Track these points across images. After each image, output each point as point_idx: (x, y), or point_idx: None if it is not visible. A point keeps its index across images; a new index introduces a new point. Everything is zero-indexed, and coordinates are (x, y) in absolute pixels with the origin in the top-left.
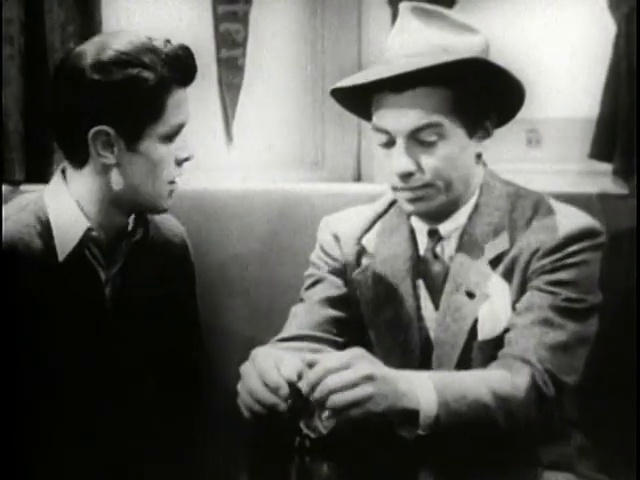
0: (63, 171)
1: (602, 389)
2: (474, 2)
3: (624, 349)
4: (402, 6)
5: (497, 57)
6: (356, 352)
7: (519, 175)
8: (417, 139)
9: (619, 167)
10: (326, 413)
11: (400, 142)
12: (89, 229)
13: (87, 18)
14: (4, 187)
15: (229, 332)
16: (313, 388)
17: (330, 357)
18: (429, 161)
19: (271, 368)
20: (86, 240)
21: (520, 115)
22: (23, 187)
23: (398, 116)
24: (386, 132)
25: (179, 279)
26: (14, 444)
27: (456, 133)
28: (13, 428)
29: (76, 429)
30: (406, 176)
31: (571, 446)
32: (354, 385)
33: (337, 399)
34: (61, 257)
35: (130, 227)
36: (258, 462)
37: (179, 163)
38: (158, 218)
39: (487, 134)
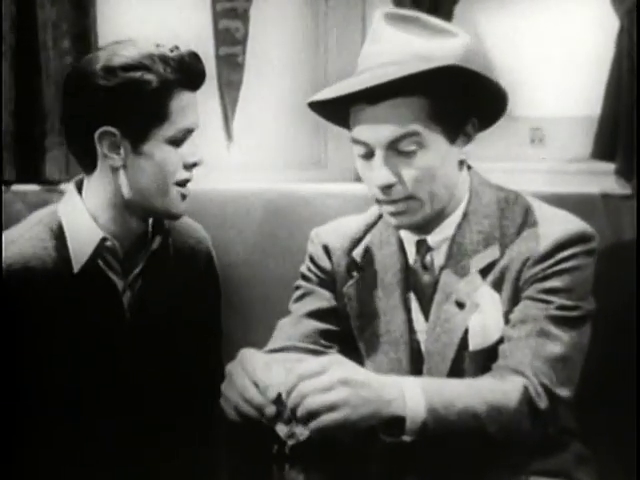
0: (77, 184)
1: (600, 396)
2: (475, 1)
3: (626, 354)
4: (376, 14)
5: (498, 56)
6: (333, 358)
7: (522, 174)
8: (396, 149)
9: (621, 167)
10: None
11: (379, 154)
12: (103, 239)
13: (81, 15)
14: None
15: (224, 332)
16: (288, 394)
17: (305, 364)
18: (409, 172)
19: (261, 368)
20: (101, 250)
21: (524, 113)
22: (14, 187)
23: (375, 128)
24: (364, 144)
25: (202, 289)
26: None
27: (436, 141)
28: (30, 440)
29: (92, 437)
30: (387, 188)
31: (569, 454)
32: (328, 389)
33: (309, 403)
34: (76, 268)
35: (149, 234)
36: (238, 468)
37: (187, 168)
38: (183, 225)
39: (469, 139)
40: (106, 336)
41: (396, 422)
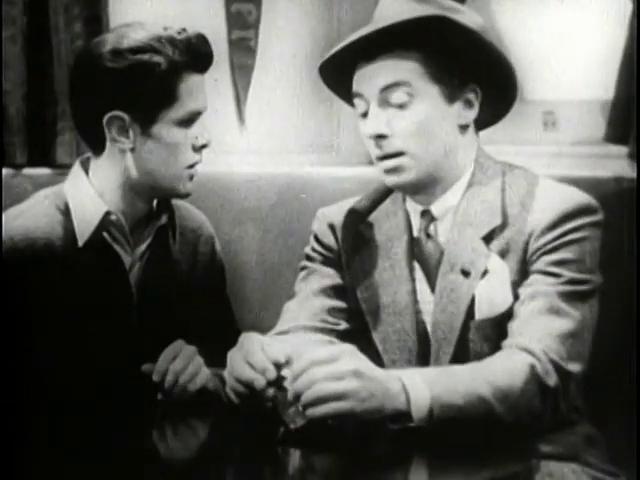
0: (82, 163)
1: (605, 374)
2: None
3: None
4: None
5: (510, 40)
6: (345, 348)
7: (534, 158)
8: (388, 101)
9: (634, 150)
10: (300, 405)
11: (372, 105)
12: (107, 213)
13: None
14: (6, 171)
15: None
16: (296, 378)
17: (319, 350)
18: (402, 124)
19: (256, 350)
20: (105, 224)
21: (536, 97)
22: (25, 171)
23: (370, 78)
24: (360, 96)
25: (208, 272)
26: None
27: (430, 95)
28: (30, 422)
29: (95, 418)
30: (378, 139)
31: (577, 435)
32: (339, 378)
33: (319, 389)
34: (81, 242)
35: (154, 211)
36: (244, 451)
37: (196, 149)
38: (185, 208)
39: (470, 106)
40: (111, 309)
41: (402, 414)
